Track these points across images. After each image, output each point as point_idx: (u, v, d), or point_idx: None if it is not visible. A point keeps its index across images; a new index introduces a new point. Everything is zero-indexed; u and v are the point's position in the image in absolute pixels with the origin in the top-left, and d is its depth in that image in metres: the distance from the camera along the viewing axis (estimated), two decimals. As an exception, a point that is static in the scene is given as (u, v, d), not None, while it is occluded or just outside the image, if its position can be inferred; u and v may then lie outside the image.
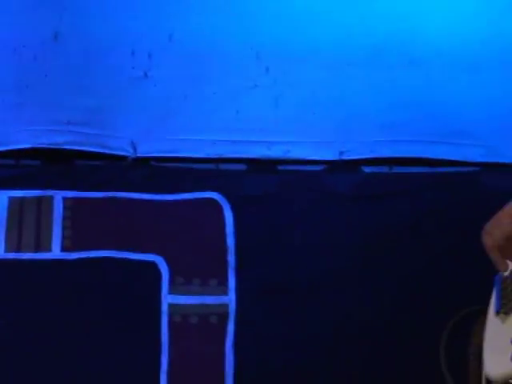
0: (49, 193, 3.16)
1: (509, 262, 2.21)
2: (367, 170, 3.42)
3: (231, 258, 3.25)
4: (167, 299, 3.21)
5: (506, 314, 2.18)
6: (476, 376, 2.94)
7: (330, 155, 3.37)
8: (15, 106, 3.27)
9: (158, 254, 3.24)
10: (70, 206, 3.18)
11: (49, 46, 3.25)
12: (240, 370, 3.23)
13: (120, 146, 3.25)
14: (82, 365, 3.13)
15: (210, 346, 3.21)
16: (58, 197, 3.16)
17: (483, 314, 2.33)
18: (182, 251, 3.27)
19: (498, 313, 2.22)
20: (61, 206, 3.16)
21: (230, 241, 3.28)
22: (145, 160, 3.23)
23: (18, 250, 3.13)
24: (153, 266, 3.23)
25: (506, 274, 2.24)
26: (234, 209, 3.31)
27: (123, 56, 3.27)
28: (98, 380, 3.14)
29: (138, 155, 3.20)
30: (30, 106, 3.28)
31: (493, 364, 2.20)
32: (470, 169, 3.49)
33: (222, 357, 3.22)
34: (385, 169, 3.46)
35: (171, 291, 3.21)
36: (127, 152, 3.21)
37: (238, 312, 3.24)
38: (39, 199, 3.15)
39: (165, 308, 3.20)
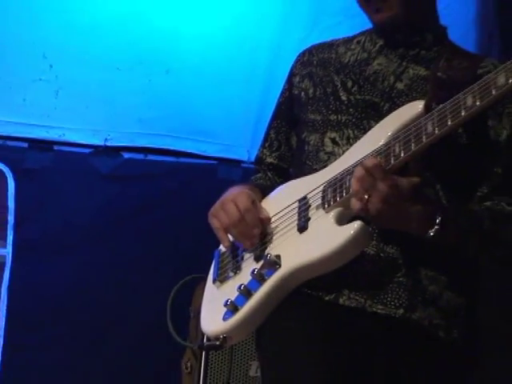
0: None
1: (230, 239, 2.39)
2: (126, 155, 4.00)
3: (11, 217, 3.81)
4: None
5: (221, 282, 2.38)
6: (196, 332, 3.39)
7: (96, 141, 3.92)
8: None
9: None
10: None
11: None
12: (12, 309, 3.81)
13: None
14: None
15: None
16: None
17: (203, 281, 2.51)
18: None
19: (214, 281, 2.41)
20: None
21: (11, 204, 3.82)
22: None
23: None
24: None
25: (224, 250, 2.43)
26: (16, 178, 3.84)
27: None
28: None
29: None
30: None
31: (208, 322, 2.38)
32: (209, 162, 4.13)
33: None
34: (141, 156, 4.04)
35: None
36: None
37: (13, 262, 3.82)
38: None
39: None
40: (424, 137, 2.04)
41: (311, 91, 2.43)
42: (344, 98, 2.35)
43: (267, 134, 2.58)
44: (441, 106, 2.06)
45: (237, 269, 2.32)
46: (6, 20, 3.78)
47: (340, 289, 2.21)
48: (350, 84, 2.36)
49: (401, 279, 2.19)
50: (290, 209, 2.28)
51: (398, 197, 2.02)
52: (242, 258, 2.34)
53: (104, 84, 3.92)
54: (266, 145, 2.58)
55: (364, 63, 2.40)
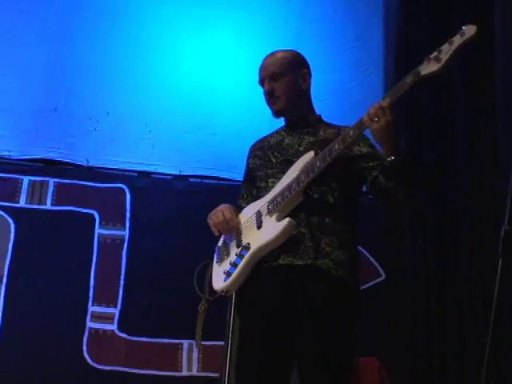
0: (46, 178, 5.15)
1: (223, 235, 3.13)
2: (191, 179, 5.30)
3: (128, 213, 5.19)
4: (98, 230, 5.15)
5: (221, 262, 3.14)
6: (209, 289, 3.65)
7: (174, 172, 5.26)
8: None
9: (94, 209, 5.19)
10: (57, 185, 5.17)
11: None
12: (129, 264, 5.12)
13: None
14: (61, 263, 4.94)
15: (115, 253, 5.11)
16: (51, 181, 5.17)
17: (211, 263, 3.22)
18: (105, 209, 5.20)
19: (217, 262, 3.18)
20: (52, 185, 5.14)
21: (128, 206, 5.20)
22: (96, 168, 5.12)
23: (32, 203, 5.09)
24: (92, 215, 5.18)
25: (220, 245, 3.15)
26: (130, 192, 5.22)
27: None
28: (59, 271, 4.94)
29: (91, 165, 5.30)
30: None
31: (216, 283, 3.11)
32: (236, 183, 4.67)
33: (120, 259, 5.14)
34: (199, 180, 5.30)
35: (100, 227, 5.16)
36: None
37: (129, 238, 5.15)
38: (42, 181, 5.18)
39: (96, 234, 5.15)
40: (316, 169, 2.93)
41: (258, 162, 3.27)
42: (273, 160, 3.21)
43: (241, 192, 3.39)
44: (323, 151, 2.91)
45: (228, 254, 3.11)
46: (123, 102, 5.27)
47: (280, 255, 3.00)
48: (275, 153, 3.21)
49: (309, 244, 2.98)
50: (252, 217, 3.11)
51: (390, 123, 2.80)
52: (230, 248, 3.12)
53: (179, 140, 5.30)
54: (240, 197, 3.38)
55: (280, 142, 3.24)
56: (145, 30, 5.41)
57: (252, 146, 3.36)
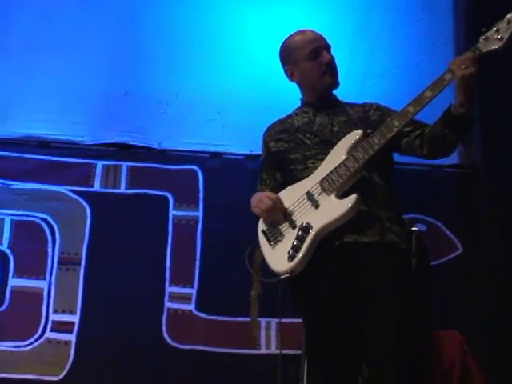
0: (120, 162, 5.31)
1: (266, 221, 3.15)
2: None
3: (201, 194, 5.28)
4: (172, 212, 5.28)
5: (275, 244, 3.18)
6: (259, 270, 3.89)
7: (246, 151, 5.28)
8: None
9: (169, 192, 5.30)
10: (130, 169, 5.32)
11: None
12: (205, 244, 5.21)
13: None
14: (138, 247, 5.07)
15: (189, 234, 5.22)
16: (124, 165, 5.34)
17: (259, 246, 3.23)
18: (179, 191, 5.28)
19: (270, 244, 3.20)
20: (125, 169, 5.29)
21: (201, 187, 5.29)
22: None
23: (107, 187, 5.24)
24: (166, 198, 5.31)
25: (265, 228, 3.18)
26: (202, 173, 5.30)
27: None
28: (135, 250, 5.07)
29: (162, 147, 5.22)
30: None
31: (277, 266, 3.12)
32: None
33: (195, 240, 5.24)
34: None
35: (174, 209, 5.28)
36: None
37: (203, 219, 5.25)
38: (115, 166, 5.33)
39: (171, 216, 5.28)
40: (376, 145, 3.03)
41: (286, 146, 3.31)
42: (308, 142, 3.26)
43: (261, 177, 3.42)
44: (379, 128, 3.03)
45: (282, 236, 3.15)
46: (191, 84, 5.36)
47: (343, 234, 3.07)
48: (307, 135, 3.27)
49: (373, 221, 3.11)
50: (301, 198, 3.14)
51: (477, 72, 2.93)
52: (282, 230, 3.17)
53: (249, 120, 5.25)
54: (262, 182, 3.41)
55: (309, 123, 3.28)
56: (210, 11, 5.47)
57: (269, 130, 3.38)
